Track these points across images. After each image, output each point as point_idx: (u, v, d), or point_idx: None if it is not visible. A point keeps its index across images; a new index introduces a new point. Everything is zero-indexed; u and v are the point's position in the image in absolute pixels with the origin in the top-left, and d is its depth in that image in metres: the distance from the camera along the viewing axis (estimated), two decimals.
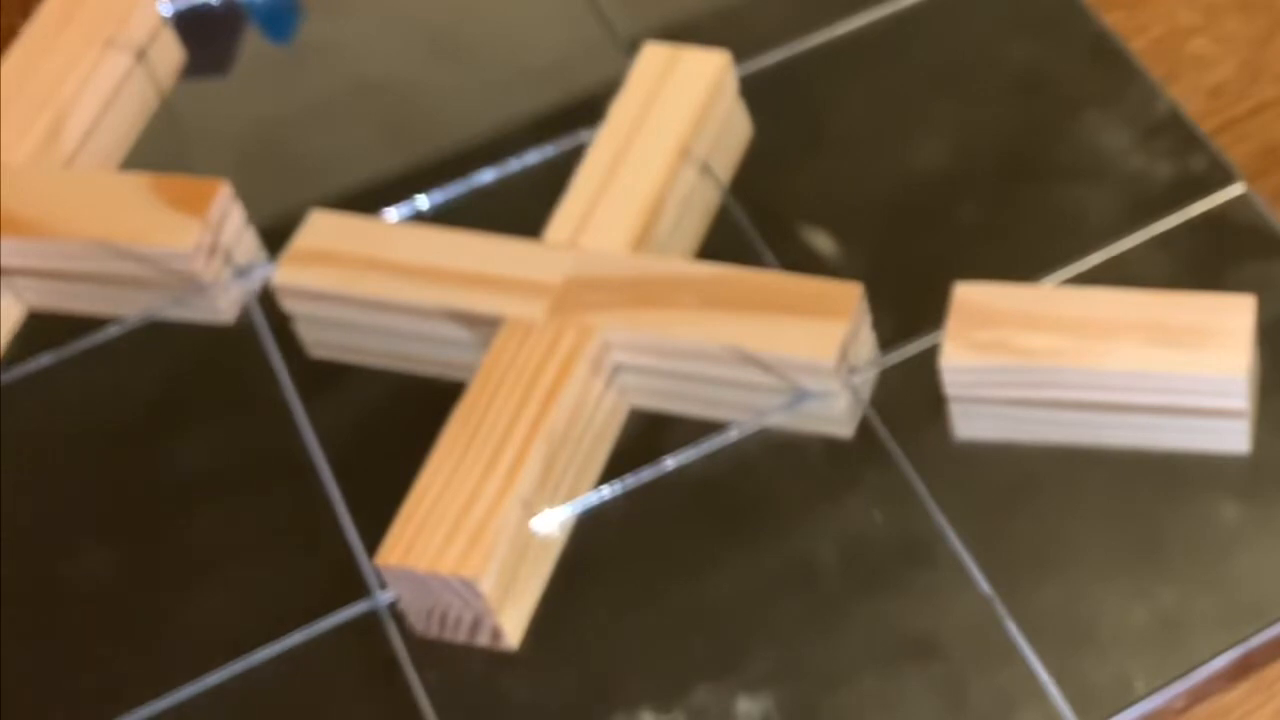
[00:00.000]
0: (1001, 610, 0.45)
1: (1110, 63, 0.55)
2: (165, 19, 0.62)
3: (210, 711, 0.47)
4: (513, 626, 0.47)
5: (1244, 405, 0.46)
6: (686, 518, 0.49)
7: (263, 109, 0.61)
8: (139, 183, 0.55)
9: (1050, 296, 0.48)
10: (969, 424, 0.48)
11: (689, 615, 0.47)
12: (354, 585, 0.48)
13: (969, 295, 0.48)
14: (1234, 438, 0.47)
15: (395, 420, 0.52)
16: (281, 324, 0.54)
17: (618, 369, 0.50)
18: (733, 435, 0.49)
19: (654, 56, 0.56)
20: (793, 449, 0.49)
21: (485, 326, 0.50)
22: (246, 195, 0.55)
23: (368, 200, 0.57)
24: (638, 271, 0.50)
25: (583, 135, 0.57)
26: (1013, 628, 0.45)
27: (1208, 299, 0.47)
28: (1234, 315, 0.46)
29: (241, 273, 0.55)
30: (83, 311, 0.56)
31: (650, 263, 0.51)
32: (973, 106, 0.56)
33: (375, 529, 0.47)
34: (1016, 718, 0.44)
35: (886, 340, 0.50)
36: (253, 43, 0.63)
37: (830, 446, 0.49)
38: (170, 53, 0.62)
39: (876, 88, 0.57)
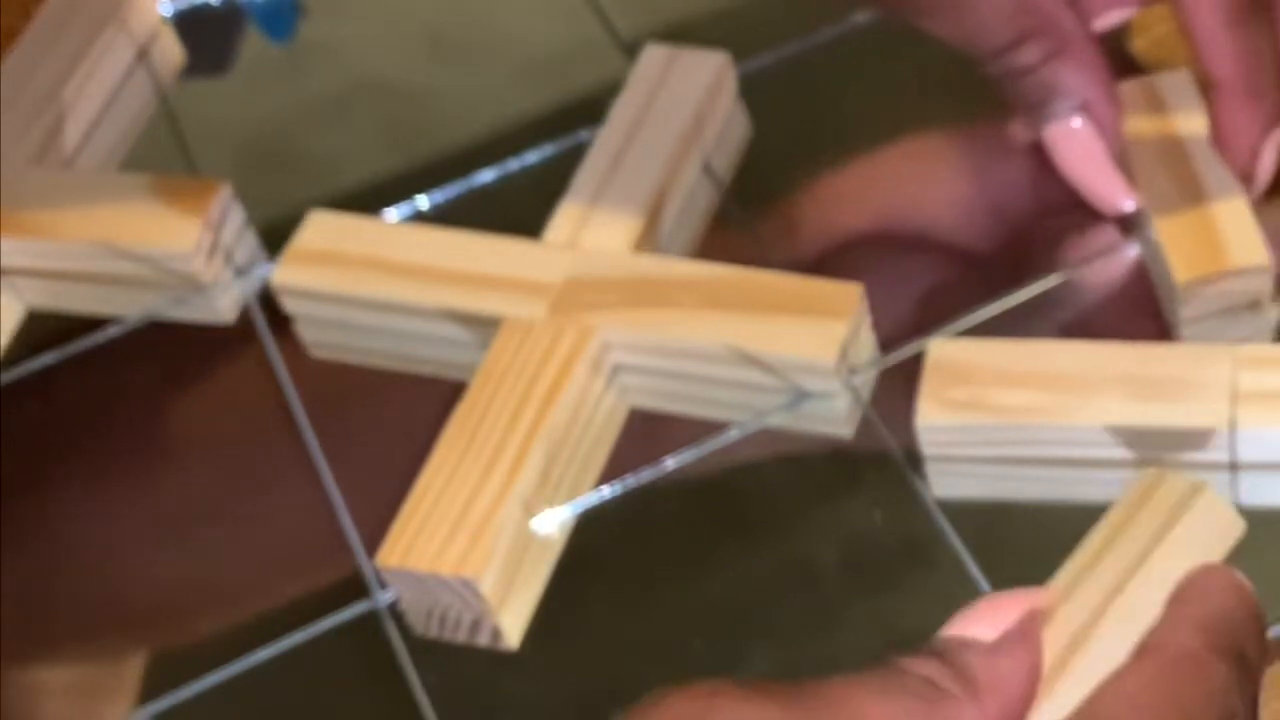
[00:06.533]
0: None
1: (1110, 62, 0.55)
2: (165, 19, 0.62)
3: (209, 711, 0.47)
4: (513, 626, 0.47)
5: (1224, 458, 0.46)
6: (686, 518, 0.49)
7: (263, 109, 0.61)
8: (139, 183, 0.55)
9: (1027, 351, 0.47)
10: (946, 482, 0.47)
11: (689, 615, 0.47)
12: (354, 585, 0.48)
13: (943, 352, 0.47)
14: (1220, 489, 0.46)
15: (395, 420, 0.52)
16: (281, 324, 0.54)
17: (618, 369, 0.50)
18: (733, 435, 0.49)
19: (654, 57, 0.56)
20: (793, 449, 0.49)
21: (485, 326, 0.50)
22: (246, 195, 0.55)
23: (368, 200, 0.57)
24: (638, 271, 0.50)
25: (583, 135, 0.57)
26: None
27: (1186, 349, 0.47)
28: (1213, 366, 0.46)
29: (241, 273, 0.55)
30: (83, 311, 0.56)
31: (650, 263, 0.51)
32: (973, 106, 0.56)
33: (375, 529, 0.47)
34: None
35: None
36: (253, 43, 0.63)
37: (830, 446, 0.49)
38: (170, 53, 0.62)
39: (876, 88, 0.57)
